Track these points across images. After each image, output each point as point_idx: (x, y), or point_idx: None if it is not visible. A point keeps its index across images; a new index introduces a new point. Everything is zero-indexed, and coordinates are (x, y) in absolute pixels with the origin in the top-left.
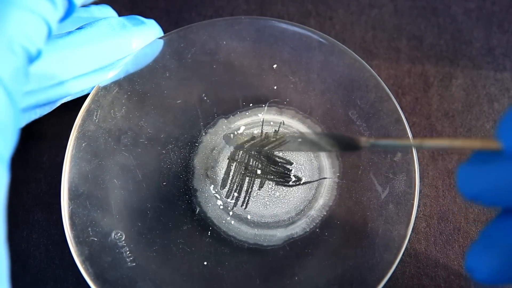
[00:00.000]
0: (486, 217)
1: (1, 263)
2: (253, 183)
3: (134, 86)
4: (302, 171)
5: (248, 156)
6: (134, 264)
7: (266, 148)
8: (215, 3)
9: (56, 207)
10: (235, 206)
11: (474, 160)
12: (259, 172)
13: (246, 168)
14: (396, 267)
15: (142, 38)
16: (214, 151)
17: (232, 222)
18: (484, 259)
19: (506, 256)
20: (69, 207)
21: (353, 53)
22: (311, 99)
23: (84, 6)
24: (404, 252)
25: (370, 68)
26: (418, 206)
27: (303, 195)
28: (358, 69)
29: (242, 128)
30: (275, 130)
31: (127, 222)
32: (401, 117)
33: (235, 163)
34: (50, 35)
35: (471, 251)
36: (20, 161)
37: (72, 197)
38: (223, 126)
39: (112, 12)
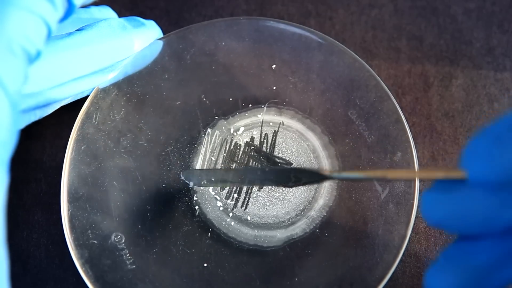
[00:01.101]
0: None
1: (1, 263)
2: None
3: (133, 88)
4: None
5: (248, 157)
6: (134, 266)
7: (226, 184)
8: (215, 3)
9: (56, 207)
10: (235, 207)
11: (438, 187)
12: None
13: None
14: (396, 267)
15: (142, 40)
16: (213, 152)
17: (232, 223)
18: (441, 279)
19: (461, 277)
20: (68, 210)
21: (352, 53)
22: (310, 99)
23: (84, 7)
24: (404, 252)
25: (369, 68)
26: (418, 206)
27: (302, 196)
28: (358, 69)
29: (242, 129)
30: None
31: (127, 225)
32: (401, 117)
33: (234, 164)
34: (49, 36)
35: (431, 270)
36: (20, 161)
37: (71, 200)
38: (223, 127)
39: (112, 13)
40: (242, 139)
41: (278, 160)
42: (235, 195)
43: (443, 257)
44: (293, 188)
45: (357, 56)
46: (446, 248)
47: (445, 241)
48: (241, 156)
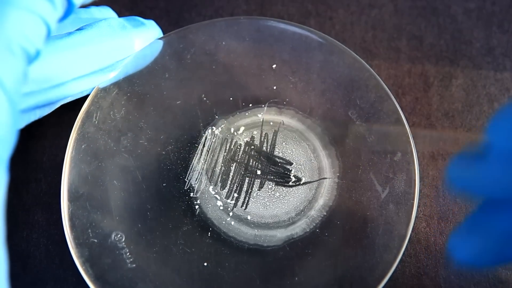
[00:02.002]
0: None
1: (0, 263)
2: (253, 184)
3: (134, 87)
4: (302, 171)
5: (248, 157)
6: (134, 265)
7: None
8: (215, 3)
9: (56, 207)
10: (235, 207)
11: (464, 154)
12: (259, 172)
13: (246, 169)
14: (396, 267)
15: (142, 39)
16: (214, 151)
17: (232, 222)
18: (465, 241)
19: (485, 241)
20: (69, 208)
21: (352, 53)
22: (311, 99)
23: (84, 7)
24: (404, 252)
25: (370, 68)
26: (418, 206)
27: (303, 196)
28: (358, 69)
29: (242, 128)
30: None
31: (127, 224)
32: (401, 117)
33: (235, 163)
34: (49, 35)
35: (455, 232)
36: (20, 161)
37: (72, 199)
38: (223, 127)
39: (112, 13)
40: (242, 138)
41: (278, 160)
42: (235, 195)
43: (468, 222)
44: (293, 188)
45: (357, 56)
46: (471, 214)
47: (445, 241)
48: (241, 155)
